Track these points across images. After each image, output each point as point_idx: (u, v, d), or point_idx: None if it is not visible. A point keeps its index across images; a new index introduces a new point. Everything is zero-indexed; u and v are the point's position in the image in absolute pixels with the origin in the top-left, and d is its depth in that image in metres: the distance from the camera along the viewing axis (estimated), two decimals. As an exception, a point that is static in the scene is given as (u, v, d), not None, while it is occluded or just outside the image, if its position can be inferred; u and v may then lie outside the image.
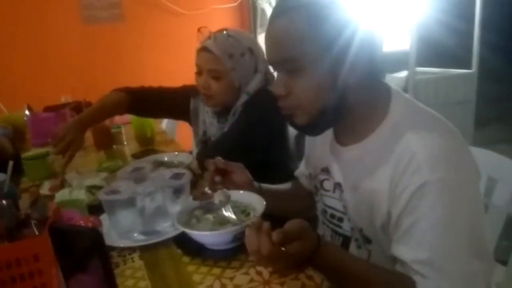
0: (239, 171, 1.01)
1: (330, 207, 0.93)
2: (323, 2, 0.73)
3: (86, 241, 0.57)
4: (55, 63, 3.14)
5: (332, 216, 0.92)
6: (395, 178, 0.72)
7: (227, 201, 0.91)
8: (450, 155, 0.71)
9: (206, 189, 0.97)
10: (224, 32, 1.29)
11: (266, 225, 0.66)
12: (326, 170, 0.92)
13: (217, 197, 0.91)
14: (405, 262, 0.70)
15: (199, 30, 1.27)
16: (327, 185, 0.93)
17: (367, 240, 0.84)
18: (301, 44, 0.73)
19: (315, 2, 0.73)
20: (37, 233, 0.68)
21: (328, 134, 0.90)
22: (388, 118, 0.78)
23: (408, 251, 0.70)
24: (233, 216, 0.88)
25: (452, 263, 0.67)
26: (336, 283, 0.74)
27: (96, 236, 0.55)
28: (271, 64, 0.83)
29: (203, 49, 1.28)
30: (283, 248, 0.64)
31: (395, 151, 0.73)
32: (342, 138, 0.87)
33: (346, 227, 0.88)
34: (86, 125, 1.40)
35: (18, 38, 3.02)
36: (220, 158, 1.00)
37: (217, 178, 0.97)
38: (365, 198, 0.80)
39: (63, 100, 2.51)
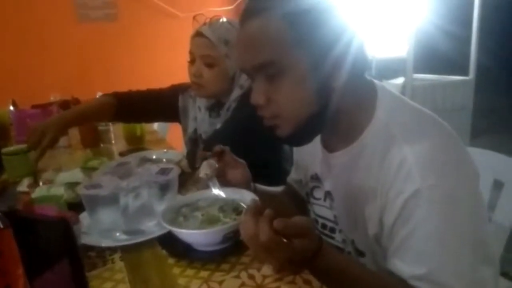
0: (241, 169, 0.94)
1: (321, 217, 0.86)
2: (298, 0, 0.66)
3: (53, 234, 0.50)
4: (48, 61, 3.07)
5: (324, 226, 0.86)
6: (386, 184, 0.66)
7: (213, 174, 0.85)
8: (442, 159, 0.65)
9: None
10: (221, 19, 1.24)
11: (268, 211, 0.58)
12: (316, 178, 0.86)
13: (203, 170, 0.85)
14: (403, 279, 0.64)
15: (194, 18, 1.22)
16: (318, 193, 0.87)
17: (360, 253, 0.78)
18: (279, 45, 0.66)
19: (289, 0, 0.66)
20: (1, 226, 0.60)
21: (316, 139, 0.82)
22: (375, 118, 0.71)
23: (404, 266, 0.64)
24: (222, 194, 0.84)
25: (453, 275, 0.61)
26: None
27: (64, 227, 0.48)
28: (247, 71, 0.74)
29: (197, 34, 1.22)
30: (285, 240, 0.57)
31: (384, 156, 0.67)
32: (330, 144, 0.80)
33: (338, 238, 0.82)
34: (67, 125, 1.31)
35: (10, 35, 2.95)
36: (228, 148, 0.94)
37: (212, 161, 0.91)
38: (355, 206, 0.74)
39: (52, 99, 2.44)
